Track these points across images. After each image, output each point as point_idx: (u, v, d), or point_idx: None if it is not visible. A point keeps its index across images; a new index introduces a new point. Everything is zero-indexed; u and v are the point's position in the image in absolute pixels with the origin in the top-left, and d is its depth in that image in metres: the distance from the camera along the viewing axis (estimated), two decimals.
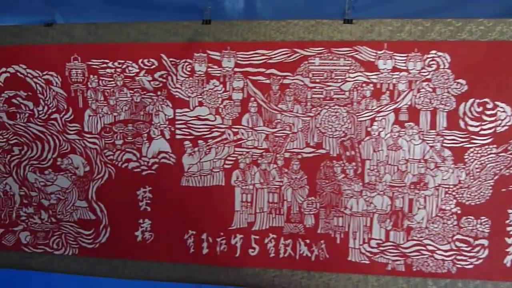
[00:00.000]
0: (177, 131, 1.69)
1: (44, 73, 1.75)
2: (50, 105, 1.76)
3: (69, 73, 1.74)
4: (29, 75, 1.76)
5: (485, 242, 1.56)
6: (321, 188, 1.63)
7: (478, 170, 1.54)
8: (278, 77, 1.62)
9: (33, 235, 1.82)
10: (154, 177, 1.71)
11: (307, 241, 1.64)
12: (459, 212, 1.57)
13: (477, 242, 1.56)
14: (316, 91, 1.61)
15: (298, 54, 1.60)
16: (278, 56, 1.61)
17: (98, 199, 1.76)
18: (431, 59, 1.54)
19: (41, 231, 1.82)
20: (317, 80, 1.60)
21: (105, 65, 1.71)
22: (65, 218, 1.80)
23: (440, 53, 1.52)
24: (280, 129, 1.64)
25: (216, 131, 1.67)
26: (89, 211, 1.77)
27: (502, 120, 1.52)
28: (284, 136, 1.64)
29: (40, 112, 1.78)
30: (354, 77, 1.58)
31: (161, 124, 1.69)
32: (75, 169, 1.78)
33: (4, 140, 1.82)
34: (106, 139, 1.75)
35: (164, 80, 1.68)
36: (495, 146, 1.52)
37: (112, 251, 1.75)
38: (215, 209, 1.68)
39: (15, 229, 1.84)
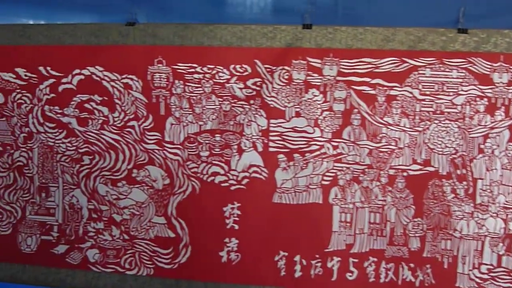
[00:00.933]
0: (271, 143, 1.62)
1: (123, 76, 1.66)
2: (128, 112, 1.67)
3: (151, 77, 1.64)
4: (106, 78, 1.67)
5: None
6: (429, 208, 1.58)
7: None
8: (385, 88, 1.54)
9: (102, 253, 1.73)
10: (244, 192, 1.63)
11: (411, 265, 1.57)
12: None
13: None
14: (426, 104, 1.56)
15: (407, 64, 1.54)
16: (386, 65, 1.54)
17: (179, 215, 1.67)
18: None
19: (111, 248, 1.73)
20: (427, 93, 1.54)
21: (192, 70, 1.63)
22: (140, 235, 1.71)
23: None
24: (385, 144, 1.56)
25: (315, 144, 1.60)
26: (168, 228, 1.67)
27: None
28: (389, 152, 1.57)
29: (116, 119, 1.68)
30: (467, 91, 1.52)
31: (253, 136, 1.61)
32: (152, 181, 1.69)
33: (73, 148, 1.71)
34: (189, 150, 1.65)
35: (258, 88, 1.59)
36: None
37: (192, 272, 1.65)
38: (310, 229, 1.61)
39: (82, 246, 1.75)
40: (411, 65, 1.57)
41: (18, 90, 1.76)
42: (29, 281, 1.80)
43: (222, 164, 1.67)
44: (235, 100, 1.65)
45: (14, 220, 1.82)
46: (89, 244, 1.76)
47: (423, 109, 1.58)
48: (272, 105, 1.63)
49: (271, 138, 1.64)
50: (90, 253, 1.76)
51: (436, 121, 1.58)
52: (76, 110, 1.73)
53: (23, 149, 1.79)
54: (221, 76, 1.65)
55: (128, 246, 1.74)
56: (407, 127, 1.59)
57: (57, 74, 1.72)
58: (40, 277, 1.79)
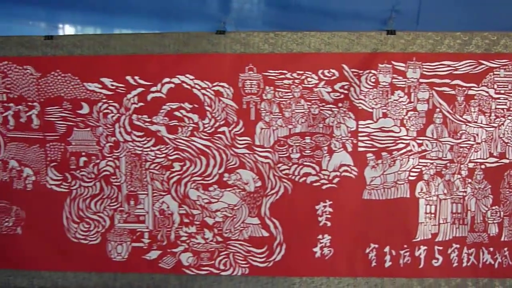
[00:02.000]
0: (360, 143, 1.75)
1: (214, 84, 1.75)
2: (218, 118, 1.77)
3: (242, 84, 1.75)
4: (196, 86, 1.76)
5: None
6: (505, 197, 1.76)
7: None
8: (464, 88, 1.71)
9: (196, 256, 1.83)
10: (335, 191, 1.78)
11: (491, 249, 1.75)
12: None
13: None
14: (500, 102, 1.74)
15: (483, 66, 1.72)
16: (464, 67, 1.71)
17: (272, 215, 1.79)
18: None
19: (205, 251, 1.81)
20: (502, 91, 1.73)
21: (282, 76, 1.74)
22: (234, 236, 1.81)
23: None
24: (465, 139, 1.73)
25: (401, 142, 1.74)
26: (262, 228, 1.78)
27: None
28: (468, 147, 1.73)
29: (206, 125, 1.78)
30: None
31: (343, 137, 1.74)
32: (244, 184, 1.79)
33: (163, 155, 1.77)
34: (280, 153, 1.76)
35: (346, 92, 1.73)
36: None
37: (288, 269, 1.78)
38: (398, 222, 1.78)
39: (174, 250, 1.82)
40: (487, 67, 1.75)
41: (104, 100, 1.81)
42: None
43: (313, 165, 1.80)
44: (323, 104, 1.77)
45: (103, 229, 1.88)
46: (182, 248, 1.86)
47: (498, 106, 1.77)
48: (360, 107, 1.77)
49: (360, 138, 1.78)
50: (184, 257, 1.86)
51: (510, 117, 1.77)
52: (166, 118, 1.80)
53: (110, 159, 1.85)
54: (310, 81, 1.77)
55: (221, 247, 1.85)
56: (484, 124, 1.78)
57: (146, 83, 1.79)
58: (134, 283, 1.86)
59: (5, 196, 1.91)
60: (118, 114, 1.83)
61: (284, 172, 1.82)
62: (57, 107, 1.85)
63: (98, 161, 1.86)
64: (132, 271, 1.88)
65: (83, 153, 1.87)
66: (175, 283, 1.87)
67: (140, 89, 1.80)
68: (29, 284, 1.91)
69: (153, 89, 1.80)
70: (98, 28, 1.87)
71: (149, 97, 1.81)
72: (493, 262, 1.82)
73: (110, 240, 1.88)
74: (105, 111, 1.83)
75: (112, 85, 1.81)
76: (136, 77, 1.80)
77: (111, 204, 1.88)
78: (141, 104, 1.81)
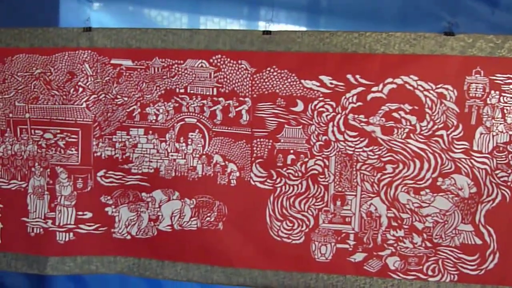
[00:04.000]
0: None
1: (438, 86, 1.81)
2: (437, 121, 1.82)
3: (467, 88, 1.78)
4: (419, 87, 1.81)
5: None
6: None
7: None
8: None
9: (403, 260, 1.87)
10: None
11: None
12: None
13: None
14: None
15: None
16: None
17: (487, 222, 1.83)
18: None
19: (413, 256, 1.85)
20: None
21: (510, 80, 1.74)
22: (444, 242, 1.85)
23: None
24: None
25: None
26: (475, 235, 1.81)
27: None
28: None
29: (423, 128, 1.84)
30: None
31: None
32: (458, 190, 1.83)
33: (376, 157, 1.82)
34: (499, 159, 1.79)
35: None
36: None
37: (500, 278, 1.83)
38: None
39: (381, 253, 1.86)
40: None
41: (321, 98, 1.86)
42: None
43: None
44: None
45: (306, 229, 1.95)
46: (388, 251, 1.91)
47: None
48: None
49: None
50: (390, 261, 1.91)
51: None
52: (383, 119, 1.85)
53: (319, 158, 1.91)
54: None
55: (430, 253, 1.90)
56: None
57: (367, 82, 1.85)
58: (338, 285, 1.92)
59: (208, 191, 1.99)
60: (333, 113, 1.89)
61: (502, 179, 1.86)
62: (270, 103, 1.92)
63: (306, 159, 1.94)
64: (335, 273, 1.95)
65: (291, 151, 1.95)
66: (381, 287, 1.93)
67: (360, 88, 1.87)
68: (227, 280, 2.00)
69: (374, 89, 1.86)
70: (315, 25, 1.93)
71: (369, 97, 1.87)
72: None
73: (314, 240, 1.97)
74: (321, 109, 1.90)
75: (331, 83, 1.88)
76: (357, 76, 1.86)
77: (316, 204, 1.96)
78: (360, 103, 1.88)
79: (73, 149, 2.07)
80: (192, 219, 2.04)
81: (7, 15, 2.14)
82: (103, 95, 2.05)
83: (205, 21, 2.29)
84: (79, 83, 2.05)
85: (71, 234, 2.10)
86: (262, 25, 1.97)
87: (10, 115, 2.11)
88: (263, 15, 1.95)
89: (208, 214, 2.03)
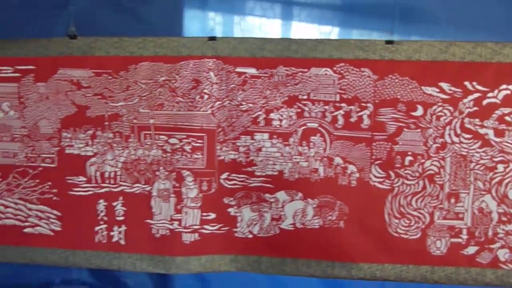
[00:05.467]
0: None
1: None
2: None
3: None
4: None
5: None
6: None
7: None
8: None
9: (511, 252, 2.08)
10: None
11: None
12: None
13: None
14: None
15: None
16: None
17: None
18: None
19: None
20: None
21: None
22: None
23: None
24: None
25: None
26: None
27: None
28: None
29: None
30: None
31: None
32: None
33: (488, 157, 2.04)
34: None
35: None
36: None
37: None
38: None
39: (491, 246, 2.09)
40: None
41: (439, 103, 2.06)
42: (440, 281, 2.14)
43: None
44: None
45: (423, 225, 2.16)
46: (499, 244, 2.15)
47: None
48: None
49: None
50: (500, 253, 2.15)
51: None
52: (496, 122, 2.07)
53: (435, 159, 2.11)
54: None
55: None
56: None
57: (483, 89, 2.06)
58: (452, 276, 2.14)
59: (330, 191, 2.18)
60: (451, 117, 2.11)
61: None
62: (391, 108, 2.13)
63: (423, 160, 2.14)
64: (449, 265, 2.16)
65: (409, 153, 2.16)
66: (491, 277, 2.15)
67: (476, 94, 2.09)
68: (347, 275, 2.21)
69: (490, 94, 2.09)
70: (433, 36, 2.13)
71: (484, 102, 2.10)
72: None
73: (430, 235, 2.19)
74: (439, 113, 2.11)
75: (450, 90, 2.09)
76: (474, 83, 2.08)
77: (431, 202, 2.18)
78: (475, 108, 2.10)
79: (198, 153, 2.25)
80: (314, 218, 2.25)
81: (131, 25, 2.29)
82: (228, 101, 2.23)
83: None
84: (204, 90, 2.21)
85: (196, 234, 2.30)
86: (377, 35, 2.19)
87: (134, 121, 2.28)
88: (383, 26, 2.14)
89: (330, 213, 2.24)
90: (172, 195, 2.28)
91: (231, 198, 2.28)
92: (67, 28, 2.29)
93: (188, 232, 2.29)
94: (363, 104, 2.18)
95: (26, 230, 2.39)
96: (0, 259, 2.46)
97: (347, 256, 2.26)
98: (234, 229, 2.31)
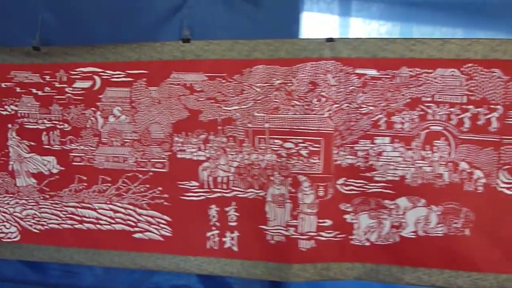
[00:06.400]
0: None
1: None
2: None
3: None
4: None
5: None
6: None
7: None
8: None
9: None
10: None
11: None
12: None
13: None
14: None
15: None
16: None
17: None
18: None
19: None
20: None
21: None
22: None
23: None
24: None
25: None
26: None
27: None
28: None
29: None
30: None
31: None
32: None
33: None
34: None
35: None
36: None
37: None
38: None
39: None
40: None
41: None
42: None
43: None
44: None
45: None
46: None
47: None
48: None
49: None
50: None
51: None
52: None
53: None
54: None
55: None
56: None
57: None
58: None
59: (455, 198, 2.13)
60: None
61: None
62: None
63: None
64: None
65: None
66: None
67: None
68: (472, 285, 2.17)
69: None
70: None
71: None
72: None
73: None
74: None
75: None
76: None
77: None
78: None
79: (315, 158, 2.23)
80: (438, 225, 2.20)
81: (245, 27, 2.29)
82: (346, 104, 2.21)
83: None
84: (322, 93, 2.20)
85: (313, 241, 2.29)
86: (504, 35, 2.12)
87: (249, 125, 2.29)
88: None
89: (455, 221, 2.19)
90: (288, 200, 2.28)
91: (348, 204, 2.27)
92: (179, 31, 2.35)
93: (305, 239, 2.29)
94: (492, 106, 2.12)
95: (136, 235, 2.47)
96: (110, 264, 2.55)
97: (473, 265, 2.21)
98: (350, 236, 2.29)
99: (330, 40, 2.22)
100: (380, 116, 2.20)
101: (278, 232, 2.31)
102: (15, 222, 2.61)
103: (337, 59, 2.19)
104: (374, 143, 2.21)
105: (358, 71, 2.19)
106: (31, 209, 2.58)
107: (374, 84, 2.19)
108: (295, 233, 2.29)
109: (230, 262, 2.38)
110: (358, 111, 2.21)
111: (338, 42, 2.20)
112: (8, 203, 2.60)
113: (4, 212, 2.62)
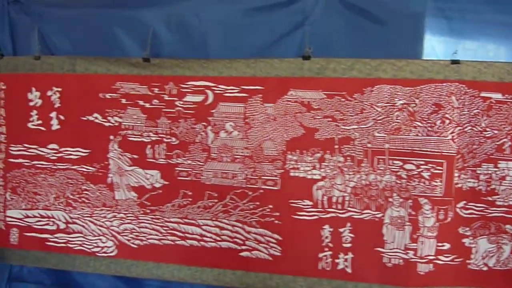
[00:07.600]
0: None
1: None
2: None
3: None
4: None
5: None
6: None
7: None
8: None
9: None
10: None
11: None
12: None
13: None
14: None
15: None
16: None
17: None
18: None
19: None
20: None
21: None
22: None
23: None
24: None
25: None
26: None
27: None
28: None
29: None
30: None
31: None
32: None
33: None
34: None
35: None
36: None
37: None
38: None
39: None
40: None
41: None
42: None
43: None
44: None
45: None
46: None
47: None
48: None
49: None
50: None
51: None
52: None
53: None
54: None
55: None
56: None
57: None
58: None
59: None
60: None
61: None
62: None
63: None
64: None
65: None
66: None
67: None
68: None
69: None
70: None
71: None
72: None
73: None
74: None
75: None
76: None
77: None
78: None
79: (437, 180, 2.27)
80: None
81: (367, 46, 2.33)
82: (470, 127, 2.25)
83: None
84: (446, 115, 2.22)
85: (431, 265, 2.32)
86: None
87: (368, 145, 2.32)
88: None
89: None
90: (408, 223, 2.31)
91: (467, 228, 2.31)
92: (297, 48, 2.37)
93: (424, 263, 2.32)
94: None
95: (242, 253, 2.49)
96: (214, 282, 2.55)
97: None
98: (468, 261, 2.33)
99: (455, 62, 2.29)
100: (504, 140, 2.25)
101: (396, 255, 2.33)
102: (111, 236, 2.64)
103: (461, 81, 2.25)
104: (497, 167, 2.26)
105: (483, 94, 2.24)
106: (129, 223, 2.60)
107: (499, 108, 2.24)
108: (414, 257, 2.32)
109: (343, 284, 2.39)
110: (481, 135, 2.26)
111: (464, 65, 2.27)
112: (105, 217, 2.63)
113: (101, 226, 2.66)
